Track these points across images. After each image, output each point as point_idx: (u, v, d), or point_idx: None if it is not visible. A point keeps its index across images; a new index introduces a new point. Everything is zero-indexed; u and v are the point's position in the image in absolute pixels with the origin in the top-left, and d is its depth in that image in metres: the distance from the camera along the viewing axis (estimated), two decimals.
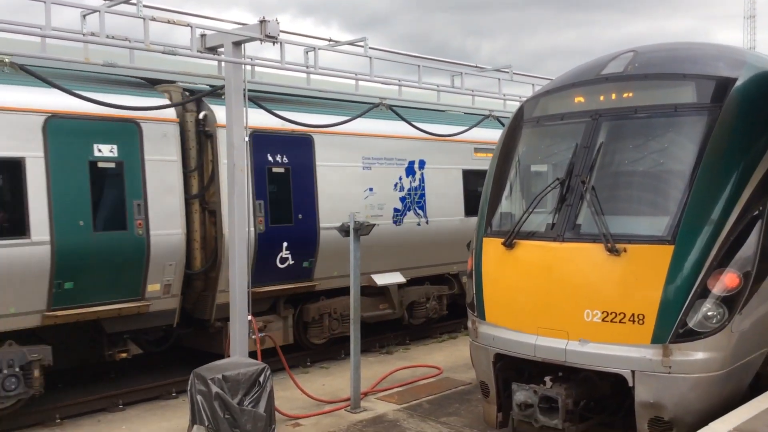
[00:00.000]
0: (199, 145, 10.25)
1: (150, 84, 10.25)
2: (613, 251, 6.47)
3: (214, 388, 7.11)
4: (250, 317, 9.13)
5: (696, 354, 6.16)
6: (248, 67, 9.68)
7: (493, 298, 7.43)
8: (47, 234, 8.49)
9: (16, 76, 8.38)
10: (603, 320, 6.46)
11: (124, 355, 9.77)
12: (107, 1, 8.53)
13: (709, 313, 6.18)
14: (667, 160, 6.83)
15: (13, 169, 8.36)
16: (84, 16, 8.51)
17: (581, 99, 7.47)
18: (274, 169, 10.77)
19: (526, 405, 6.80)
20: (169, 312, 9.85)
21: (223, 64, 9.34)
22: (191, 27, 8.83)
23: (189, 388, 7.38)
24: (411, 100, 12.79)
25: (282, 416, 8.69)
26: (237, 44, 9.00)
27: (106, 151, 9.10)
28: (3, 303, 8.28)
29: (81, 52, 8.52)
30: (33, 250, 8.39)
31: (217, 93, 9.86)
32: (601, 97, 7.30)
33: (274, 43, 9.08)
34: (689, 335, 6.16)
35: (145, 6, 8.38)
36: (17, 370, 8.49)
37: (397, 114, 11.61)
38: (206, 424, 7.12)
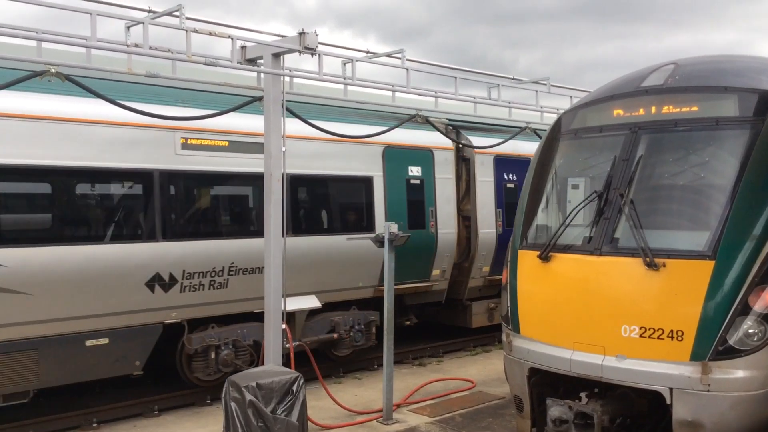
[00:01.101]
0: (457, 166, 13.36)
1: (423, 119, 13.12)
2: (651, 266, 6.38)
3: (248, 396, 7.16)
4: (284, 326, 9.19)
5: (736, 372, 6.02)
6: (287, 78, 9.78)
7: (528, 311, 7.36)
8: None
9: (357, 116, 11.80)
10: (641, 336, 6.36)
11: (408, 322, 13.20)
12: (151, 14, 8.70)
13: (750, 331, 6.04)
14: (708, 174, 6.71)
15: (367, 184, 11.81)
16: (128, 27, 8.67)
17: (620, 111, 7.39)
18: (508, 185, 13.94)
19: (561, 421, 6.72)
20: (441, 291, 13.23)
21: (262, 75, 9.45)
22: (232, 39, 8.95)
23: (223, 395, 7.44)
24: (447, 111, 12.82)
25: (314, 426, 8.71)
26: (276, 56, 9.10)
27: (414, 171, 12.54)
28: (354, 279, 11.57)
29: (124, 63, 8.69)
30: None
31: (470, 127, 13.60)
32: (641, 110, 7.21)
33: (312, 54, 9.16)
34: (729, 353, 6.03)
35: (187, 18, 8.52)
36: (362, 326, 11.78)
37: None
38: (240, 431, 7.17)
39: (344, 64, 10.53)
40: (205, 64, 8.63)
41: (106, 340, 9.01)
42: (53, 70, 7.84)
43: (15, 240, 8.30)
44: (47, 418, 8.95)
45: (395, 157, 12.22)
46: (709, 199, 6.60)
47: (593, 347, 6.63)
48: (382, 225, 10.95)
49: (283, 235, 9.19)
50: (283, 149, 9.25)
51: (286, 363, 9.03)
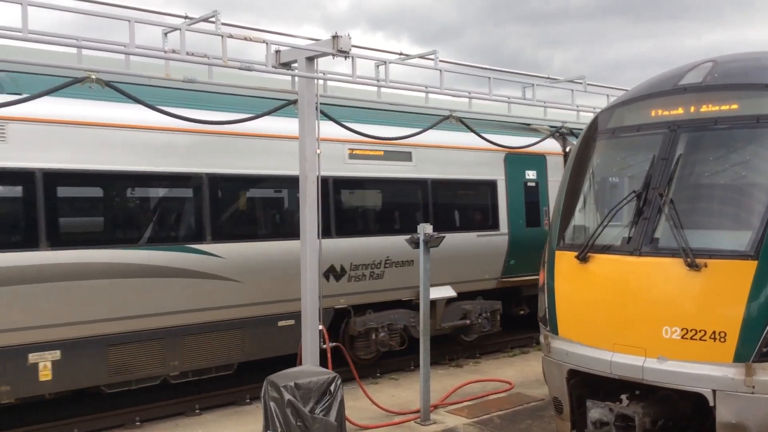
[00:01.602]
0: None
1: (526, 125, 14.90)
2: (693, 266, 6.29)
3: (287, 396, 7.23)
4: (321, 327, 9.25)
5: None
6: (320, 81, 9.85)
7: (566, 312, 7.31)
8: (506, 228, 13.32)
9: (477, 127, 12.24)
10: (682, 337, 6.27)
11: (522, 312, 14.30)
12: (187, 20, 8.82)
13: None
14: (749, 172, 6.60)
15: (492, 187, 13.24)
16: (165, 33, 8.79)
17: (658, 110, 7.29)
18: None
19: (602, 423, 6.66)
20: None
21: (296, 78, 9.52)
22: (266, 43, 9.03)
23: (262, 394, 7.53)
24: (481, 112, 12.78)
25: (352, 426, 8.76)
26: (310, 59, 9.17)
27: (531, 175, 13.96)
28: (481, 272, 13.04)
29: (160, 69, 8.83)
30: (500, 238, 13.22)
31: (573, 133, 14.42)
32: (680, 109, 7.11)
33: (346, 57, 9.21)
34: None
35: (223, 24, 8.62)
36: (488, 314, 13.25)
37: None
38: (279, 430, 7.24)
39: (377, 66, 10.55)
40: (240, 68, 8.72)
41: (292, 322, 10.48)
42: (93, 77, 8.01)
43: (230, 236, 9.99)
44: (91, 417, 9.15)
45: (515, 162, 13.60)
46: (750, 198, 6.49)
47: (634, 349, 6.56)
48: (504, 223, 13.19)
49: (318, 237, 9.27)
50: (318, 151, 9.32)
51: (321, 362, 9.07)
